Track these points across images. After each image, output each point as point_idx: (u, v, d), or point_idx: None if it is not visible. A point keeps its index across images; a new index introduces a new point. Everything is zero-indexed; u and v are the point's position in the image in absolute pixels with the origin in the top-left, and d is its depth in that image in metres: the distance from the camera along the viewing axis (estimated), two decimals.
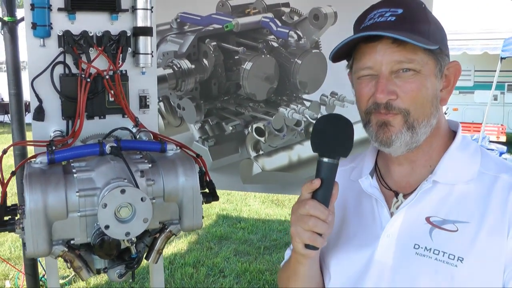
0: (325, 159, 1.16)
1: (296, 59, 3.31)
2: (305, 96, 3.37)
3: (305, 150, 3.44)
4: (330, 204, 1.16)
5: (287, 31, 3.29)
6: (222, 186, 4.42)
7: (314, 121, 3.36)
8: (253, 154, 3.58)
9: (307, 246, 1.16)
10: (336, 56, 1.24)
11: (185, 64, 3.61)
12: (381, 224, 1.25)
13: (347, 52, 1.24)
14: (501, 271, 1.12)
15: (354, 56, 1.23)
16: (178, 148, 1.94)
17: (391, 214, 1.25)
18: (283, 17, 3.31)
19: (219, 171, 3.74)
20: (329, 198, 1.16)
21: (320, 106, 3.32)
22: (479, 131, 12.29)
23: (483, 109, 12.00)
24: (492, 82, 10.78)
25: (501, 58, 9.71)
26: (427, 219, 1.20)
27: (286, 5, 3.29)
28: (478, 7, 11.97)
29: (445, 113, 14.10)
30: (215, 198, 2.02)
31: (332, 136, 1.16)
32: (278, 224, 6.59)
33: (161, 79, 3.64)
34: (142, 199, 1.59)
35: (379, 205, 1.28)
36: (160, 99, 3.77)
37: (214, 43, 3.52)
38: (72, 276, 4.64)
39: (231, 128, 3.63)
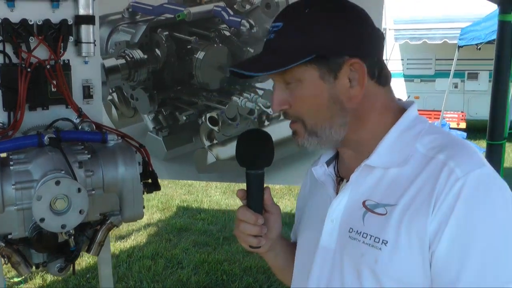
0: (251, 172, 1.30)
1: (248, 48, 3.30)
2: (258, 85, 3.36)
3: None
4: (267, 207, 1.33)
5: (239, 20, 3.27)
6: (177, 176, 4.40)
7: (267, 110, 3.37)
8: (207, 143, 3.56)
9: (250, 246, 1.32)
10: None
11: (138, 54, 3.56)
12: (327, 210, 1.29)
13: None
14: (427, 252, 1.10)
15: None
16: (120, 138, 1.91)
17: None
18: (235, 6, 3.29)
19: (173, 161, 3.71)
20: (260, 203, 1.32)
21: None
22: (437, 118, 12.55)
23: (444, 97, 12.20)
24: (458, 71, 10.98)
25: (459, 47, 9.87)
26: (363, 203, 1.21)
27: None
28: None
29: None
30: (157, 188, 2.00)
31: (252, 152, 1.30)
32: None
33: (113, 69, 3.58)
34: (78, 190, 1.57)
35: (328, 191, 1.32)
36: (113, 89, 3.72)
37: (166, 32, 3.47)
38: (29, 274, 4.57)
39: (184, 118, 3.60)
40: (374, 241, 1.15)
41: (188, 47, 3.45)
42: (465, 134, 11.76)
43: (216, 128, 3.50)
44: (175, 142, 3.67)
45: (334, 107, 1.20)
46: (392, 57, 13.38)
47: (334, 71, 1.18)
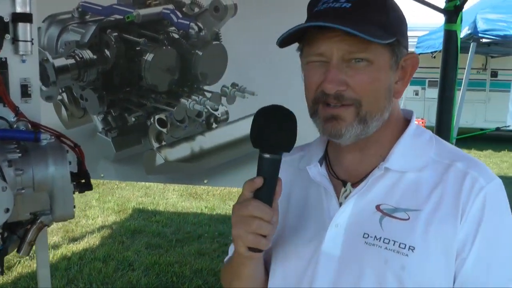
0: (267, 155, 1.06)
1: (197, 51, 3.32)
2: (206, 87, 3.38)
3: (206, 141, 3.46)
4: (274, 202, 1.08)
5: (188, 22, 3.29)
6: (126, 177, 4.40)
7: (215, 112, 3.39)
8: (155, 145, 3.56)
9: (251, 249, 1.07)
10: (284, 41, 1.14)
11: (87, 54, 3.55)
12: (329, 214, 1.18)
13: (297, 34, 1.13)
14: (452, 259, 1.09)
15: (305, 39, 1.13)
16: (53, 137, 1.91)
17: (340, 204, 1.18)
18: (183, 9, 3.31)
19: (122, 162, 3.71)
20: (273, 196, 1.07)
21: (221, 97, 3.35)
22: None
23: (406, 104, 12.43)
24: (417, 78, 11.17)
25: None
26: (377, 207, 1.14)
27: None
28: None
29: None
30: (89, 187, 2.00)
31: (272, 131, 1.06)
32: (193, 216, 6.59)
33: (63, 69, 3.57)
34: (2, 189, 1.56)
35: (327, 195, 1.20)
36: (63, 89, 3.69)
37: (116, 33, 3.47)
38: None
39: (133, 119, 3.60)
40: (399, 247, 1.09)
41: (137, 48, 3.46)
42: None
43: (164, 130, 3.51)
44: (124, 143, 3.67)
45: (388, 98, 1.14)
46: None
47: (398, 61, 1.14)
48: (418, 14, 11.98)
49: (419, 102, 13.64)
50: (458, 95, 13.31)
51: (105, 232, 6.04)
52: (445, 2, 3.42)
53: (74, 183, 1.89)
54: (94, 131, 3.69)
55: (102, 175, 3.83)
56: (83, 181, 2.00)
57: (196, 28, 3.28)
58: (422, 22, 11.52)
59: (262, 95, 3.26)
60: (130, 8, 3.39)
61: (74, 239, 5.75)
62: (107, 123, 3.66)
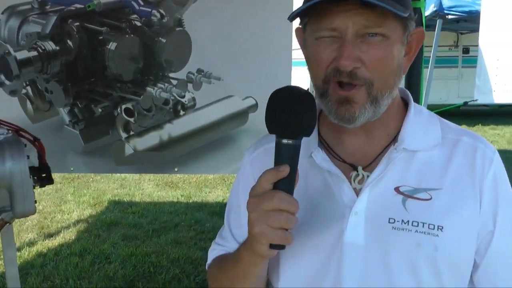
0: (288, 141, 0.98)
1: (160, 38, 3.26)
2: (171, 75, 3.33)
3: (175, 128, 3.42)
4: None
5: (150, 9, 3.23)
6: (96, 169, 4.34)
7: (182, 100, 3.35)
8: (124, 135, 3.51)
9: (273, 246, 0.98)
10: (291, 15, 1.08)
11: (50, 45, 3.47)
12: (343, 202, 1.13)
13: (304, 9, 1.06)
14: (475, 233, 1.12)
15: (314, 13, 1.07)
16: (10, 132, 1.87)
17: (354, 190, 1.14)
18: None
19: (91, 154, 3.65)
20: (294, 186, 0.99)
21: (187, 84, 3.30)
22: None
23: None
24: None
25: None
26: (397, 189, 1.11)
27: None
28: None
29: None
30: (50, 181, 1.96)
31: (291, 113, 0.98)
32: (170, 206, 6.58)
33: (26, 62, 3.48)
34: None
35: (338, 180, 1.14)
36: (27, 83, 3.61)
37: (78, 23, 3.40)
38: None
39: (100, 110, 3.54)
40: (429, 227, 1.07)
41: (100, 38, 3.39)
42: None
43: (132, 120, 3.46)
44: (92, 135, 3.61)
45: (398, 75, 1.11)
46: None
47: (407, 37, 1.11)
48: None
49: None
50: (427, 72, 13.45)
51: (81, 226, 6.00)
52: None
53: (35, 177, 1.85)
54: (61, 124, 3.62)
55: (71, 169, 3.77)
56: (43, 175, 1.97)
57: (158, 15, 3.23)
58: None
59: (228, 80, 3.23)
60: None
61: (49, 235, 5.70)
62: (73, 115, 3.60)
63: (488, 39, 3.69)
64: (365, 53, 1.03)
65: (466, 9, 5.46)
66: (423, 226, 1.08)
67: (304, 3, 1.05)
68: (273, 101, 1.01)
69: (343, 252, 1.11)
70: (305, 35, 1.13)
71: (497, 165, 1.15)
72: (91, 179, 7.89)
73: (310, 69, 1.12)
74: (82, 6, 3.35)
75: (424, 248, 1.07)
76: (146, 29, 3.28)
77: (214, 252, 1.32)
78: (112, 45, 3.35)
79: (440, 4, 5.75)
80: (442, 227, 1.08)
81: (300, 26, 1.16)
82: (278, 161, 0.98)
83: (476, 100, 3.81)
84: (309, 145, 1.16)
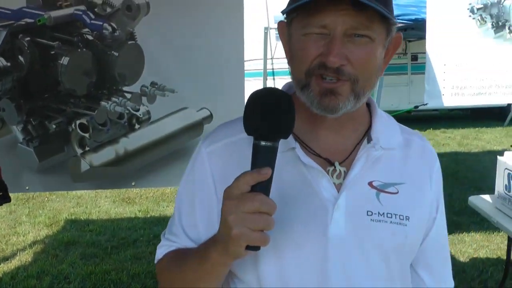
0: (266, 143, 0.98)
1: (112, 52, 3.26)
2: (125, 88, 3.33)
3: (130, 142, 3.41)
4: None
5: (101, 23, 3.23)
6: (52, 187, 4.26)
7: (136, 113, 3.34)
8: (79, 151, 3.47)
9: (249, 247, 0.98)
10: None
11: (0, 62, 3.41)
12: (324, 196, 1.16)
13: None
14: (426, 220, 1.26)
15: (304, 10, 1.09)
16: None
17: (335, 185, 1.17)
18: (96, 9, 3.24)
19: (47, 172, 3.59)
20: (270, 187, 0.99)
21: (141, 97, 3.31)
22: None
23: None
24: None
25: None
26: (370, 184, 1.18)
27: None
28: None
29: None
30: (7, 199, 1.93)
31: (269, 115, 0.98)
32: (127, 222, 6.50)
33: None
34: None
35: (317, 175, 1.17)
36: None
37: (28, 38, 3.35)
38: None
39: (54, 126, 3.49)
40: (400, 218, 1.17)
41: (52, 52, 3.35)
42: None
43: (87, 135, 3.43)
44: (47, 152, 3.55)
45: (378, 76, 1.17)
46: (277, 55, 13.68)
47: (389, 41, 1.16)
48: None
49: None
50: (381, 79, 13.62)
51: (37, 248, 5.85)
52: None
53: None
54: (15, 142, 3.55)
55: (27, 188, 3.69)
56: (0, 193, 1.94)
57: (109, 28, 3.22)
58: None
59: (182, 93, 3.25)
60: (41, 11, 3.28)
61: (5, 259, 5.54)
62: (27, 132, 3.54)
63: (434, 44, 3.82)
64: (351, 53, 1.08)
65: (412, 17, 5.64)
66: (395, 217, 1.17)
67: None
68: (252, 103, 1.01)
69: (328, 245, 1.14)
70: (291, 30, 1.15)
71: (437, 160, 1.30)
72: (46, 198, 7.71)
73: (293, 62, 1.15)
74: (33, 21, 3.31)
75: (397, 237, 1.18)
76: (98, 43, 3.27)
77: (164, 248, 1.28)
78: (64, 60, 3.32)
79: None
80: (409, 217, 1.18)
81: (284, 21, 1.19)
82: (257, 163, 0.98)
83: (426, 104, 3.92)
84: (286, 141, 1.14)
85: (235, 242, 0.97)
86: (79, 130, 3.44)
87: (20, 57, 3.38)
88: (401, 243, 1.19)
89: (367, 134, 1.23)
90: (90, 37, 3.28)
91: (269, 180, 0.98)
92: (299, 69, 1.12)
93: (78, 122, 3.43)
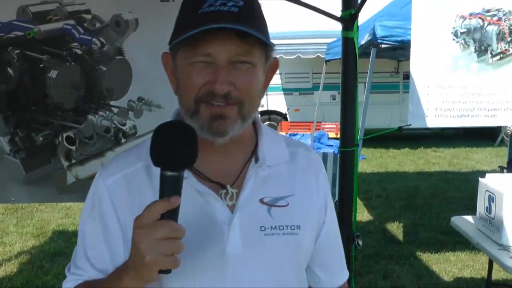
0: (171, 173, 1.04)
1: (100, 66, 3.29)
2: (112, 103, 3.35)
3: None
4: None
5: (90, 38, 3.26)
6: (38, 199, 4.25)
7: (123, 127, 3.37)
8: (65, 163, 3.49)
9: (161, 271, 1.03)
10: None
11: None
12: (218, 219, 1.22)
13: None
14: (316, 226, 1.38)
15: (188, 40, 1.14)
16: None
17: (228, 207, 1.24)
18: (85, 24, 3.27)
19: (33, 184, 3.60)
20: (178, 215, 1.05)
21: (128, 111, 3.33)
22: (318, 129, 13.03)
23: (322, 108, 12.71)
24: (332, 83, 11.45)
25: (326, 61, 10.37)
26: (261, 200, 1.27)
27: (87, 11, 3.26)
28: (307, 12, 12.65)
29: (287, 114, 14.48)
30: None
31: (174, 147, 1.05)
32: None
33: None
34: None
35: (211, 199, 1.23)
36: None
37: (18, 51, 3.39)
38: None
39: (41, 138, 3.51)
40: (291, 228, 1.27)
41: (41, 66, 3.38)
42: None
43: (73, 148, 3.45)
44: (34, 164, 3.57)
45: (260, 99, 1.26)
46: None
47: (268, 65, 1.26)
48: (327, 21, 12.35)
49: (337, 106, 14.01)
50: (374, 97, 13.72)
51: (23, 258, 5.86)
52: (341, 11, 3.55)
53: None
54: (1, 153, 3.57)
55: (13, 199, 3.70)
56: None
57: (98, 43, 3.26)
58: (331, 28, 11.91)
59: (168, 108, 3.27)
60: (31, 24, 3.32)
61: None
62: (14, 144, 3.56)
63: (418, 66, 3.87)
64: (236, 78, 1.16)
65: (399, 38, 5.72)
66: (287, 228, 1.27)
67: (182, 30, 1.14)
68: (157, 136, 1.07)
69: (226, 264, 1.22)
70: (176, 60, 1.23)
71: (323, 167, 1.42)
72: (35, 209, 7.72)
73: (181, 91, 1.22)
74: (22, 34, 3.34)
75: (291, 247, 1.28)
76: (87, 57, 3.30)
77: (71, 282, 1.31)
78: (53, 73, 3.35)
79: (374, 34, 6.00)
80: (300, 225, 1.29)
81: (168, 52, 1.26)
82: (165, 192, 1.04)
83: (410, 125, 3.97)
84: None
85: (148, 268, 1.02)
86: (65, 143, 3.46)
87: (9, 69, 3.41)
88: (295, 252, 1.30)
89: (254, 154, 1.31)
90: (79, 52, 3.31)
91: (177, 208, 1.04)
92: (188, 97, 1.19)
93: (65, 135, 3.45)
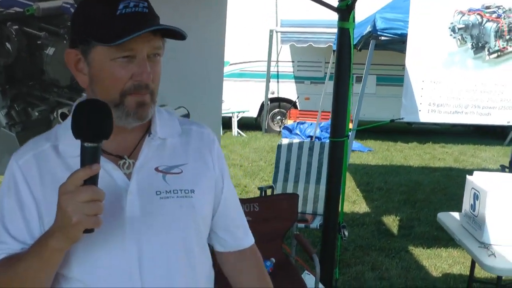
0: (92, 144, 1.18)
1: None
2: None
3: None
4: None
5: None
6: None
7: None
8: None
9: (86, 231, 1.18)
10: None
11: None
12: (119, 186, 1.38)
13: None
14: (213, 193, 1.54)
15: (109, 38, 1.27)
16: None
17: (125, 174, 1.40)
18: None
19: None
20: (98, 181, 1.20)
21: None
22: (327, 118, 12.99)
23: (330, 98, 12.58)
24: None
25: (333, 51, 10.32)
26: (156, 169, 1.43)
27: None
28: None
29: (296, 102, 14.44)
30: None
31: (92, 121, 1.19)
32: None
33: None
34: None
35: (111, 169, 1.38)
36: None
37: (16, 27, 3.44)
38: None
39: (37, 113, 3.58)
40: (185, 192, 1.43)
41: (38, 42, 3.44)
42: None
43: None
44: (29, 138, 3.56)
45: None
46: (282, 58, 13.74)
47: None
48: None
49: None
50: (383, 90, 13.60)
51: None
52: (338, 1, 3.56)
53: None
54: None
55: None
56: None
57: None
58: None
59: (161, 91, 3.27)
60: (30, 1, 3.37)
61: None
62: (10, 117, 3.63)
63: (414, 60, 3.87)
64: (153, 70, 1.35)
65: (398, 31, 5.68)
66: (181, 192, 1.43)
67: (104, 29, 1.28)
68: (78, 112, 1.21)
69: (126, 225, 1.36)
70: (90, 57, 1.34)
71: (217, 141, 1.59)
72: None
73: (101, 85, 1.35)
74: (22, 10, 3.39)
75: (185, 208, 1.43)
76: None
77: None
78: (50, 50, 3.41)
79: (374, 26, 5.97)
80: (194, 190, 1.45)
81: (73, 50, 1.37)
82: (86, 161, 1.18)
83: (402, 119, 3.98)
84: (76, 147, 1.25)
85: (75, 228, 1.16)
86: (60, 119, 3.52)
87: (7, 44, 3.47)
88: (191, 213, 1.44)
89: (148, 130, 1.46)
90: None
91: (97, 174, 1.19)
92: (112, 91, 1.33)
93: (60, 111, 3.52)
